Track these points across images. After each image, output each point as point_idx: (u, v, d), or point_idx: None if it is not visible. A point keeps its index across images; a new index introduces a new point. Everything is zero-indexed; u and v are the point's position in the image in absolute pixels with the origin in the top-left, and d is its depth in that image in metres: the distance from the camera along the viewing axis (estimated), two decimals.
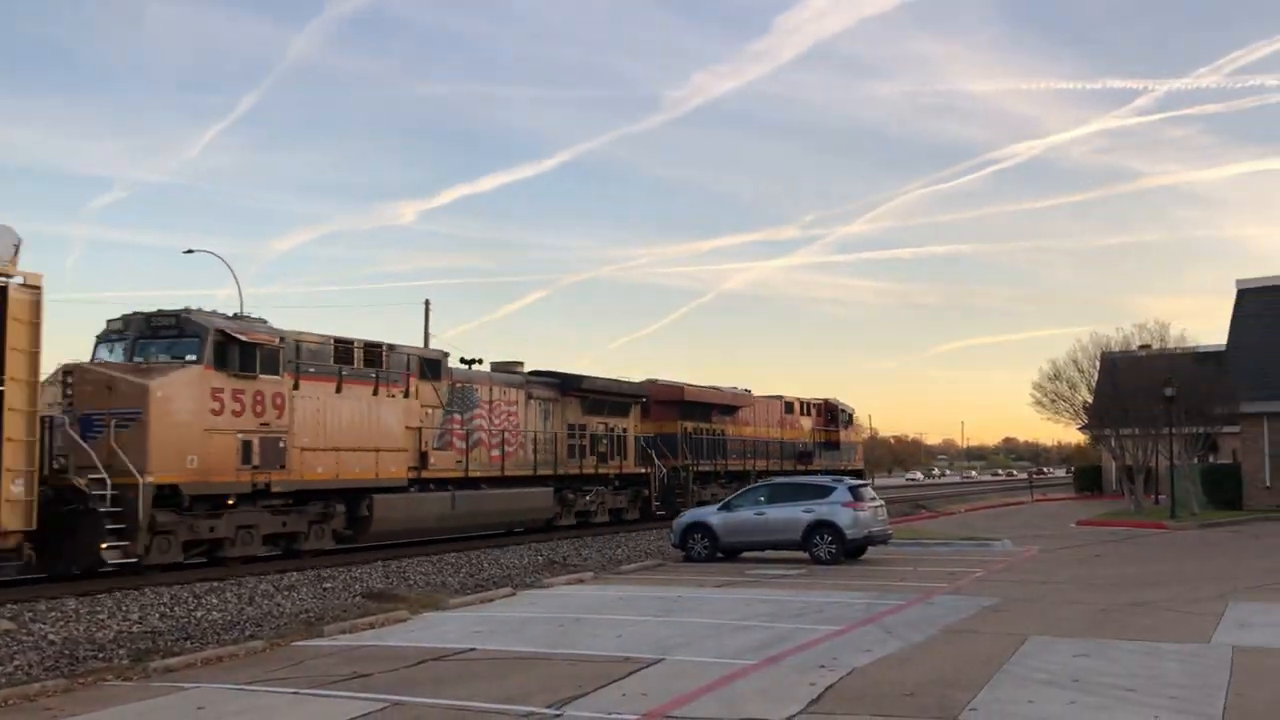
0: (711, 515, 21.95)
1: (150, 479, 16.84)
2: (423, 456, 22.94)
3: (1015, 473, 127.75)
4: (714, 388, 37.43)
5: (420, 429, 22.99)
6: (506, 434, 26.37)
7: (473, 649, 11.56)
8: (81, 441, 16.72)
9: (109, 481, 16.27)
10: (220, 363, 18.30)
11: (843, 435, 46.51)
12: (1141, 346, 40.26)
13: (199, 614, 14.71)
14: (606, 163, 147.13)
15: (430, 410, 23.54)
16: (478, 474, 24.91)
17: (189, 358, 18.16)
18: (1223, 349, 39.27)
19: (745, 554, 21.76)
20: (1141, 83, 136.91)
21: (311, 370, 20.25)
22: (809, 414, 44.33)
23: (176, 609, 14.90)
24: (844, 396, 52.53)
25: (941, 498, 55.72)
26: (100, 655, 11.86)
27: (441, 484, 23.53)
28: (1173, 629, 12.19)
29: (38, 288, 15.19)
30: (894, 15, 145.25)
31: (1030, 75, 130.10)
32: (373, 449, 21.39)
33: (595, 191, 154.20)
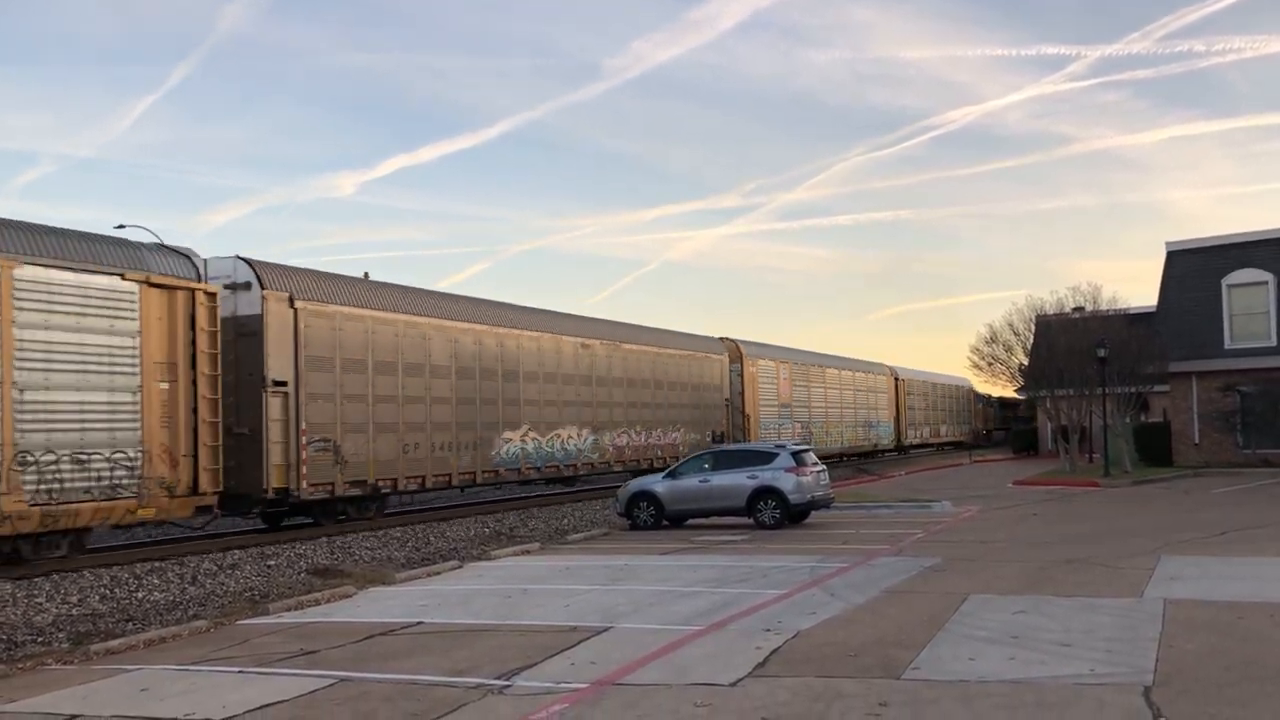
0: (657, 483, 22.03)
1: None
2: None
3: None
4: (1004, 396, 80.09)
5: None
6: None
7: (420, 622, 11.56)
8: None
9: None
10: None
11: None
12: (1075, 309, 40.73)
13: (140, 595, 14.53)
14: (547, 132, 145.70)
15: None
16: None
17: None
18: (1153, 310, 40.06)
19: (690, 521, 21.93)
20: (1074, 49, 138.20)
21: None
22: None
23: (117, 590, 14.70)
24: None
25: (883, 460, 56.48)
26: (39, 639, 11.68)
27: None
28: (1107, 584, 12.52)
29: None
30: None
31: (965, 42, 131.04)
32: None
33: (536, 162, 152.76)
